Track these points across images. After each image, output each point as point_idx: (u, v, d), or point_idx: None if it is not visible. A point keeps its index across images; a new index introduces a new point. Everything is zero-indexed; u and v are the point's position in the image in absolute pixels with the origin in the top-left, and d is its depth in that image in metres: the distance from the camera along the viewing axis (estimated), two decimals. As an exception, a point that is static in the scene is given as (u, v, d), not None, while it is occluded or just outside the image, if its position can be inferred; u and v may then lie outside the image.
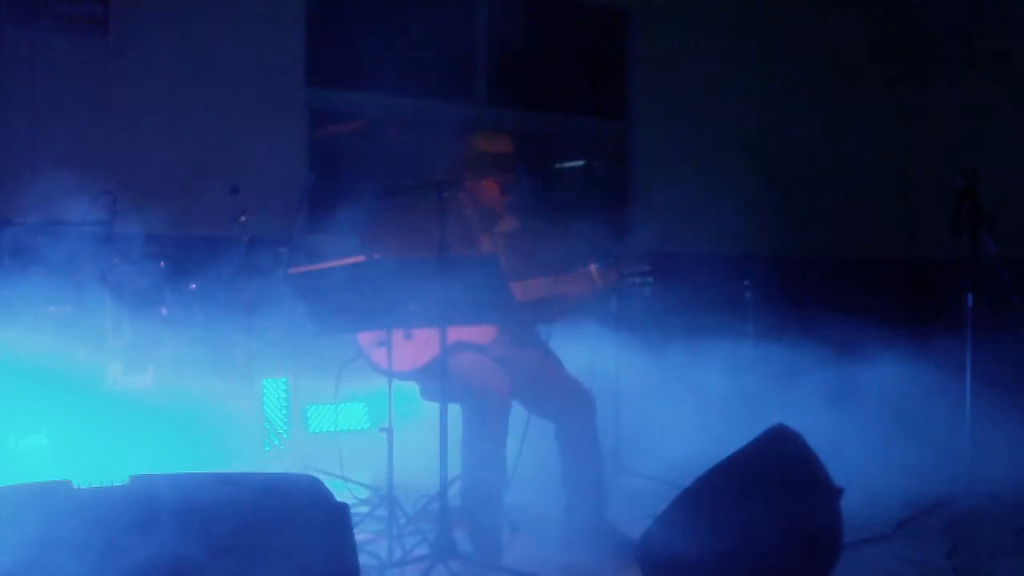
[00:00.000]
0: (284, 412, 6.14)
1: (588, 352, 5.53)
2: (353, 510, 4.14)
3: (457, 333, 4.59)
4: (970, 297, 5.32)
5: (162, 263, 5.40)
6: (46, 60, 6.28)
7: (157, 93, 6.50)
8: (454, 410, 4.56)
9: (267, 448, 5.96)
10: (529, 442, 4.82)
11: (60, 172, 5.49)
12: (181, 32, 6.64)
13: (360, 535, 4.18)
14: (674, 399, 6.04)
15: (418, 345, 4.63)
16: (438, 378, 4.33)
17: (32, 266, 4.98)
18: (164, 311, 5.30)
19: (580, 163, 4.73)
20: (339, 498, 3.14)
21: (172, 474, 3.01)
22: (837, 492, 3.96)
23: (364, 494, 5.46)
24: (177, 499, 2.83)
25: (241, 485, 3.02)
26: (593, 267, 4.81)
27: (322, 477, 3.91)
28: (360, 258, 4.29)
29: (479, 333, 4.76)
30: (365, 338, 4.69)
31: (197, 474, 3.07)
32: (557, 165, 4.81)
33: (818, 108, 9.13)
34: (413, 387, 4.92)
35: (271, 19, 7.02)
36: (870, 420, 6.17)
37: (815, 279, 7.19)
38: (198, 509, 2.81)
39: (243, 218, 5.81)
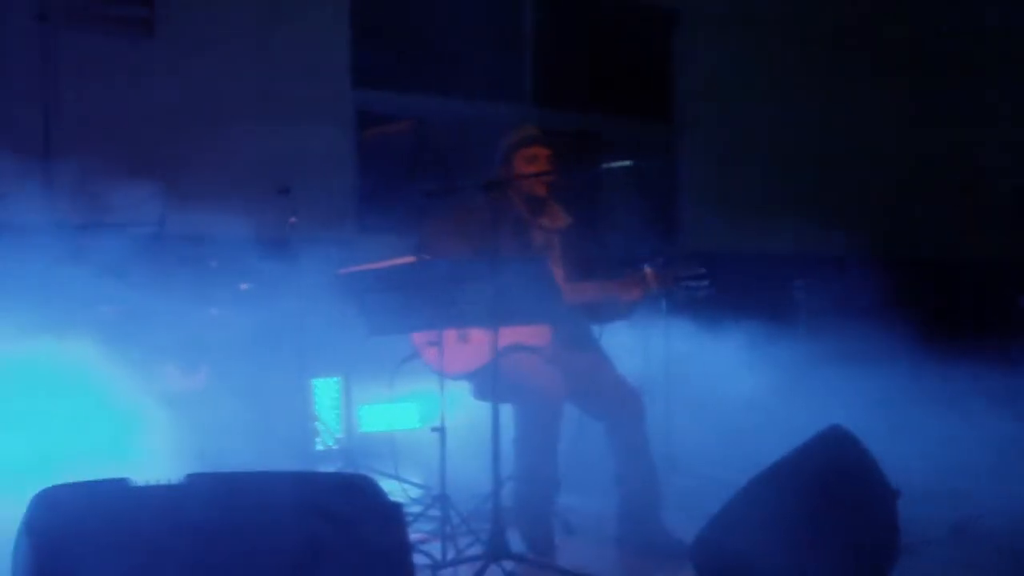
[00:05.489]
0: (336, 411, 6.16)
1: (639, 352, 5.52)
2: (406, 510, 4.15)
3: (511, 335, 4.58)
4: (1029, 297, 5.26)
5: (213, 264, 5.43)
6: (94, 62, 6.34)
7: (205, 94, 6.55)
8: (506, 409, 4.55)
9: (319, 448, 5.98)
10: (582, 443, 4.82)
11: (111, 174, 5.55)
12: (227, 33, 6.70)
13: (413, 535, 4.18)
14: (727, 399, 6.00)
15: (473, 347, 4.63)
16: (491, 380, 4.32)
17: (85, 268, 5.03)
18: (215, 312, 5.33)
19: (627, 163, 4.70)
20: (392, 498, 3.14)
21: (227, 472, 3.01)
22: (894, 494, 3.91)
23: (416, 494, 5.46)
24: (232, 497, 2.84)
25: (295, 484, 3.02)
26: (648, 270, 4.78)
27: (375, 476, 3.92)
28: (410, 259, 4.30)
29: (533, 335, 4.75)
30: (419, 338, 4.71)
31: (251, 472, 3.08)
32: (604, 165, 4.77)
33: (872, 104, 9.05)
34: (464, 386, 4.92)
35: (317, 20, 7.06)
36: (926, 421, 6.10)
37: (868, 278, 7.12)
38: (253, 507, 2.82)
39: (293, 219, 5.84)
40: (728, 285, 5.14)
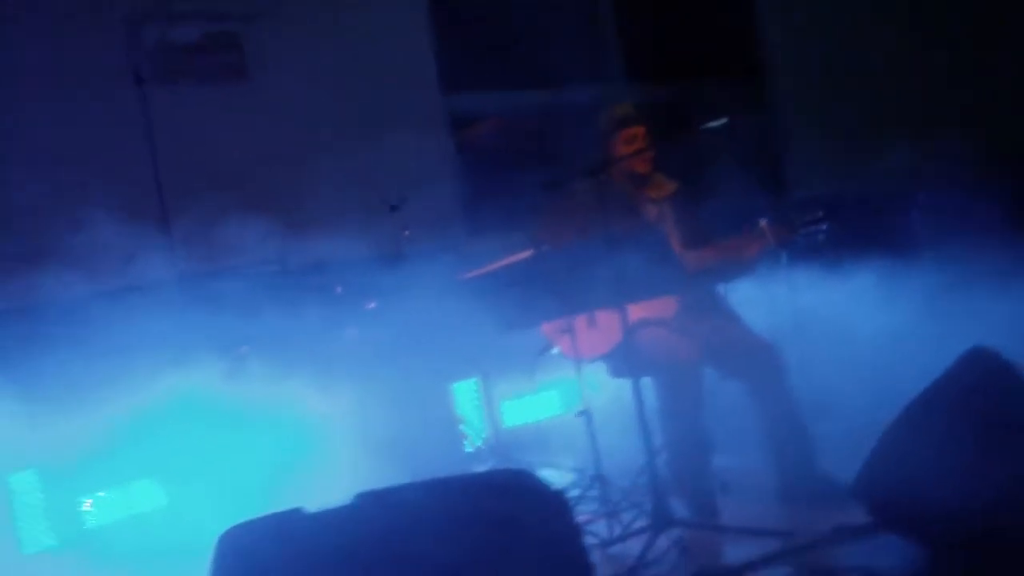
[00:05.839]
0: (479, 411, 6.26)
1: (767, 305, 5.51)
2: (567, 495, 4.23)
3: (639, 311, 4.63)
4: None
5: (338, 288, 5.57)
6: (193, 113, 6.51)
7: (302, 125, 6.70)
8: (647, 382, 4.59)
9: (468, 449, 6.08)
10: (727, 401, 4.84)
11: (227, 218, 5.71)
12: (315, 63, 6.84)
13: (577, 517, 4.25)
14: (863, 338, 5.94)
15: (603, 329, 4.69)
16: (626, 357, 4.38)
17: (217, 312, 5.19)
18: (349, 333, 5.46)
19: (723, 121, 4.71)
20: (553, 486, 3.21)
21: (393, 487, 3.10)
22: (1048, 403, 3.87)
23: (571, 478, 5.53)
24: (402, 511, 2.93)
25: (459, 488, 3.12)
26: (764, 223, 4.79)
27: (528, 468, 3.97)
28: (527, 253, 4.36)
29: (660, 307, 4.78)
30: (549, 328, 4.78)
31: (416, 483, 3.17)
32: (701, 127, 4.79)
33: (963, 33, 8.78)
34: (601, 367, 4.97)
35: (398, 35, 7.17)
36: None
37: (984, 197, 6.97)
38: (426, 518, 2.91)
39: (407, 232, 5.96)
40: (846, 224, 5.11)
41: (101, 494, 5.15)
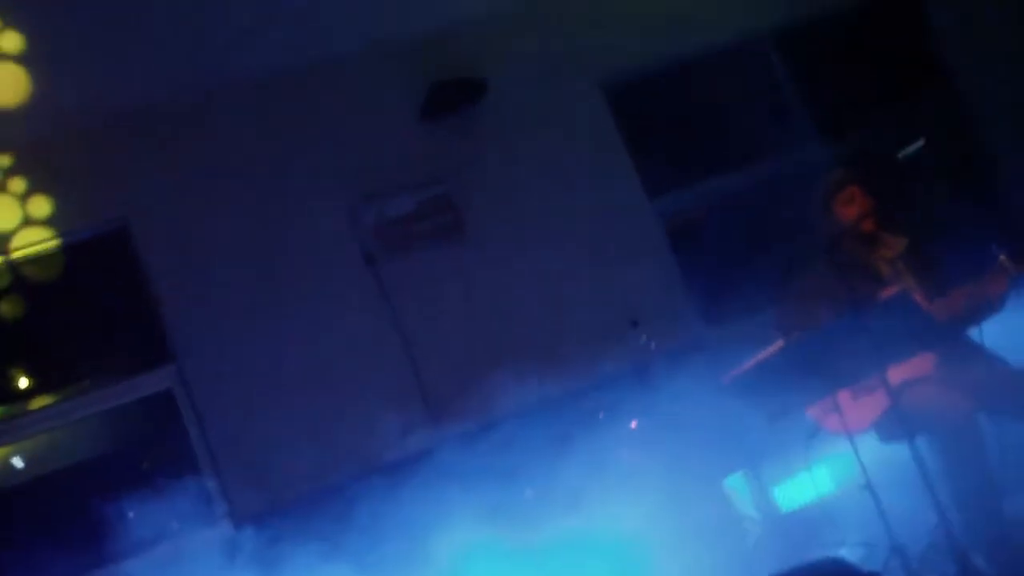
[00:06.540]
0: (751, 503, 6.29)
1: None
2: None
3: (900, 373, 4.65)
4: None
5: (600, 415, 5.75)
6: (425, 277, 6.86)
7: (528, 267, 7.02)
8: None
9: (752, 541, 6.11)
10: (1008, 440, 4.77)
11: (478, 370, 5.97)
12: (527, 206, 7.18)
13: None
14: None
15: (868, 399, 4.73)
16: (897, 422, 4.40)
17: (500, 461, 5.42)
18: (624, 454, 5.61)
19: (919, 144, 4.69)
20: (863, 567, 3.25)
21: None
22: None
23: (861, 553, 5.50)
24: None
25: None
26: (1003, 257, 4.76)
27: (818, 550, 3.97)
28: (779, 343, 4.44)
29: (920, 366, 4.79)
30: (814, 410, 4.84)
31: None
32: (899, 155, 4.78)
33: None
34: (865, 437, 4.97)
35: (596, 153, 7.42)
36: None
37: None
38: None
39: (652, 344, 6.13)
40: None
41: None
